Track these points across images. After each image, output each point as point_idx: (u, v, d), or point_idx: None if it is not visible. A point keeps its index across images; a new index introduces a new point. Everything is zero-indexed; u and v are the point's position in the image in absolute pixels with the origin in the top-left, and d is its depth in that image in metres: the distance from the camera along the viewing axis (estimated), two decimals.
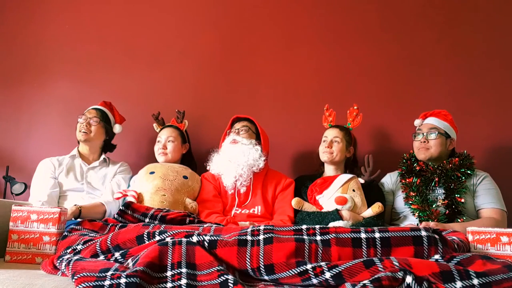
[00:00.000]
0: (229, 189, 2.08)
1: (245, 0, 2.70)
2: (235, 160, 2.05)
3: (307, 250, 1.15)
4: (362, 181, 1.98)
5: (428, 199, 1.94)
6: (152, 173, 2.08)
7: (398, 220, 2.03)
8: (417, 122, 2.12)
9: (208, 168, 2.18)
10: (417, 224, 1.86)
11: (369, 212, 1.87)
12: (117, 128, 2.33)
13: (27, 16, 2.80)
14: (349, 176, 1.96)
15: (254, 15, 2.69)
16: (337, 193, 1.89)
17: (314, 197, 1.96)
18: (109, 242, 1.30)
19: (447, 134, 2.05)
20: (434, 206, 1.91)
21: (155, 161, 2.28)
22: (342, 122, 2.22)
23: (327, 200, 1.91)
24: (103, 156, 2.28)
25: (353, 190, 1.90)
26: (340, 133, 2.13)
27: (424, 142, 2.03)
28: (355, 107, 2.20)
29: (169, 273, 1.09)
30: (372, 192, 2.03)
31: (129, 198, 1.96)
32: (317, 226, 1.24)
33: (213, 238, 1.19)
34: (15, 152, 2.64)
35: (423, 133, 2.05)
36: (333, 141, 2.12)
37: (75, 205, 1.91)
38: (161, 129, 2.33)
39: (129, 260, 1.21)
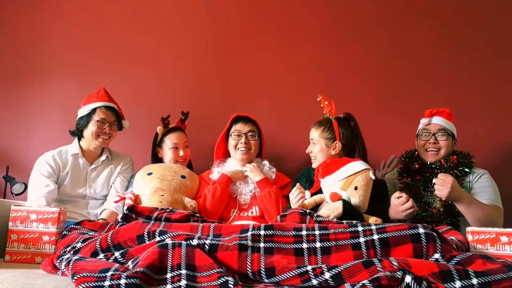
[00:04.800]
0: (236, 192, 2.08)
1: (243, 1, 2.71)
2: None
3: (307, 262, 1.17)
4: (373, 176, 1.72)
5: (425, 200, 1.93)
6: (149, 174, 2.07)
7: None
8: (424, 121, 2.03)
9: (213, 168, 2.16)
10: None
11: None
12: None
13: (27, 16, 2.80)
14: (360, 167, 1.73)
15: (252, 16, 2.71)
16: (338, 184, 1.71)
17: (317, 178, 1.82)
18: (109, 240, 1.30)
19: (453, 134, 2.02)
20: (432, 206, 1.89)
21: (151, 162, 2.28)
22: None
23: (327, 187, 1.76)
24: (105, 155, 2.21)
25: (355, 188, 1.68)
26: (314, 133, 1.96)
27: (434, 143, 1.97)
28: (320, 98, 2.02)
29: (169, 275, 1.09)
30: (381, 189, 1.90)
31: (127, 201, 1.95)
32: (317, 232, 1.23)
33: (213, 243, 1.19)
34: (15, 152, 2.63)
35: (431, 133, 1.99)
36: (311, 143, 1.99)
37: (101, 219, 1.95)
38: (166, 132, 2.26)
39: (129, 262, 1.21)
